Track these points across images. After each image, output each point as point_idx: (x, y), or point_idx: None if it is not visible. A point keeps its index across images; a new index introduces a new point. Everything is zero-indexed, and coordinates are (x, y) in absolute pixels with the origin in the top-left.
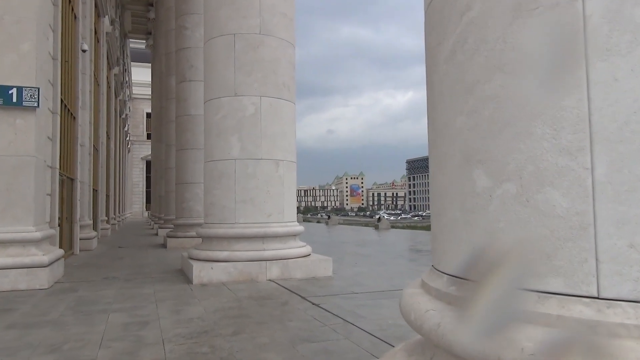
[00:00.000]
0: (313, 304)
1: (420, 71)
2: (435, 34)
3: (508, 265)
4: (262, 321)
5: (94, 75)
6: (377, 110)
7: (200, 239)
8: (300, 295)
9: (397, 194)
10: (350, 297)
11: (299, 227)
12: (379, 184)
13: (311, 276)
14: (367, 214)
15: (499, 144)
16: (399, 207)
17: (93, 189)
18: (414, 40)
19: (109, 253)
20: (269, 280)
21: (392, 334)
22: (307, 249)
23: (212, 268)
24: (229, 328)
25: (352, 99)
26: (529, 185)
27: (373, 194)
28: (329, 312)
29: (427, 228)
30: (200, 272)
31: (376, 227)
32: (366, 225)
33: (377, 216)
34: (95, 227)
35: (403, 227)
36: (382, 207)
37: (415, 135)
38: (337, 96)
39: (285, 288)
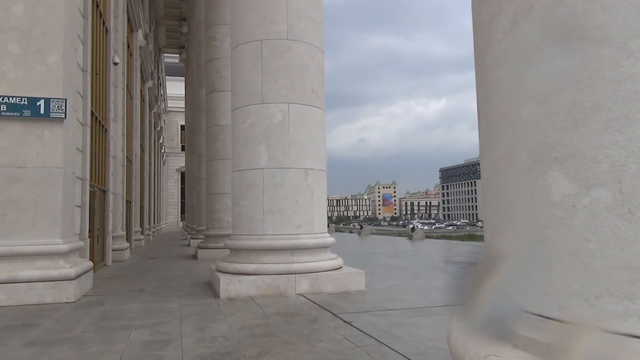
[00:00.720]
0: (344, 321)
1: (452, 79)
2: (488, 5)
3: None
4: (289, 341)
5: (127, 87)
6: (409, 118)
7: (229, 251)
8: (330, 312)
9: (430, 203)
10: (384, 314)
11: (330, 239)
12: (412, 193)
13: (342, 290)
14: (400, 224)
15: (586, 136)
16: (432, 216)
17: (126, 200)
18: (445, 48)
19: (140, 264)
20: (298, 294)
21: (431, 358)
22: (338, 261)
23: (239, 282)
24: (254, 349)
25: (384, 108)
26: (633, 192)
27: (406, 203)
28: (361, 331)
29: (462, 238)
30: (228, 286)
31: (410, 237)
32: (399, 235)
33: (411, 226)
34: (128, 238)
35: (437, 237)
36: (416, 216)
37: (448, 144)
38: (369, 105)
39: (315, 303)
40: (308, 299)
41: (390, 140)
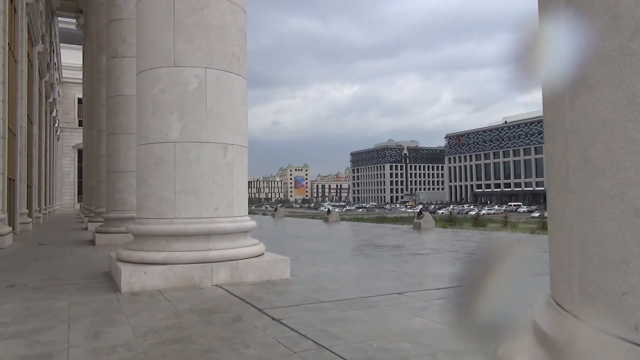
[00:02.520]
0: (273, 319)
1: (366, 66)
2: None
3: None
4: (209, 348)
5: (10, 48)
6: (323, 103)
7: (133, 237)
8: (255, 307)
9: (341, 185)
10: (316, 308)
11: (251, 222)
12: (324, 176)
13: (265, 279)
14: (311, 206)
15: None
16: (342, 199)
17: (9, 178)
18: (360, 35)
19: (24, 252)
20: (216, 285)
21: None
22: (260, 247)
23: (145, 273)
24: None
25: (299, 91)
26: None
27: (317, 186)
28: (294, 331)
29: (374, 220)
30: (131, 278)
31: (326, 220)
32: (313, 217)
33: (327, 208)
34: (11, 222)
35: (351, 220)
36: (327, 198)
37: (360, 129)
38: (284, 88)
39: (236, 296)
40: (227, 290)
41: (304, 123)
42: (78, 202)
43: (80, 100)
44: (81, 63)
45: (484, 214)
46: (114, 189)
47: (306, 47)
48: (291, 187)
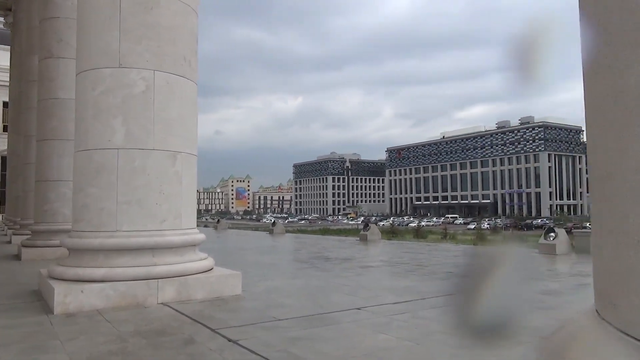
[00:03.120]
0: (229, 340)
1: (311, 78)
2: None
3: None
4: None
5: None
6: (267, 113)
7: (67, 251)
8: (208, 327)
9: (283, 197)
10: (274, 327)
11: (200, 235)
12: (266, 188)
13: (216, 296)
14: (253, 217)
15: None
16: (284, 210)
17: None
18: (306, 47)
19: None
20: (162, 303)
21: None
22: (209, 261)
23: (82, 291)
24: None
25: (244, 101)
26: None
27: (259, 198)
28: (254, 353)
29: (319, 232)
30: (66, 298)
31: (270, 232)
32: (256, 229)
33: (272, 220)
34: None
35: (295, 232)
36: (269, 210)
37: (303, 140)
38: (228, 97)
39: (186, 315)
40: (175, 309)
41: (247, 134)
42: (0, 213)
43: (5, 104)
44: (8, 64)
45: (423, 225)
46: (44, 199)
47: (252, 57)
48: (232, 199)
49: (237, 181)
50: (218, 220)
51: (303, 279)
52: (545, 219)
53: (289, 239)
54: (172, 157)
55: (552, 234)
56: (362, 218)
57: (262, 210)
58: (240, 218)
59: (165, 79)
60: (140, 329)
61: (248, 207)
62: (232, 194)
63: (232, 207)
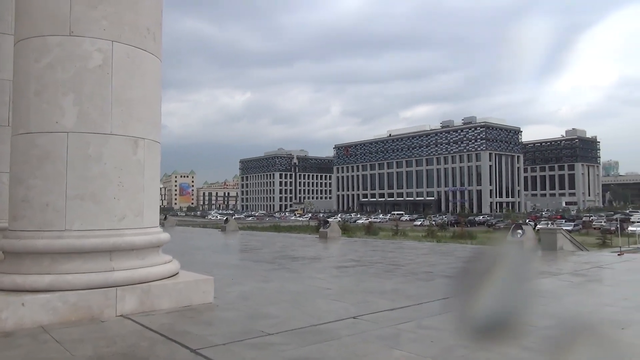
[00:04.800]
0: None
1: (259, 73)
2: None
3: None
4: None
5: None
6: (214, 108)
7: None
8: (186, 346)
9: (228, 193)
10: (266, 344)
11: (164, 235)
12: (211, 183)
13: (184, 305)
14: (197, 214)
15: None
16: (230, 206)
17: None
18: (255, 43)
19: None
20: (122, 316)
21: None
22: (174, 265)
23: (23, 304)
24: None
25: (189, 94)
26: None
27: (204, 194)
28: None
29: (271, 229)
30: (2, 313)
31: (223, 229)
32: (205, 226)
33: (225, 217)
34: None
35: (246, 229)
36: (213, 206)
37: (250, 136)
38: (173, 90)
39: (154, 331)
40: (139, 323)
41: (193, 128)
42: None
43: None
44: None
45: (374, 222)
46: None
47: (199, 50)
48: (176, 195)
49: (181, 176)
50: (165, 216)
51: (277, 281)
52: (486, 216)
53: (244, 236)
54: (133, 144)
55: (520, 231)
56: (309, 215)
57: (206, 206)
58: (184, 215)
59: (126, 52)
60: (101, 351)
61: (192, 203)
62: (176, 190)
63: (176, 204)
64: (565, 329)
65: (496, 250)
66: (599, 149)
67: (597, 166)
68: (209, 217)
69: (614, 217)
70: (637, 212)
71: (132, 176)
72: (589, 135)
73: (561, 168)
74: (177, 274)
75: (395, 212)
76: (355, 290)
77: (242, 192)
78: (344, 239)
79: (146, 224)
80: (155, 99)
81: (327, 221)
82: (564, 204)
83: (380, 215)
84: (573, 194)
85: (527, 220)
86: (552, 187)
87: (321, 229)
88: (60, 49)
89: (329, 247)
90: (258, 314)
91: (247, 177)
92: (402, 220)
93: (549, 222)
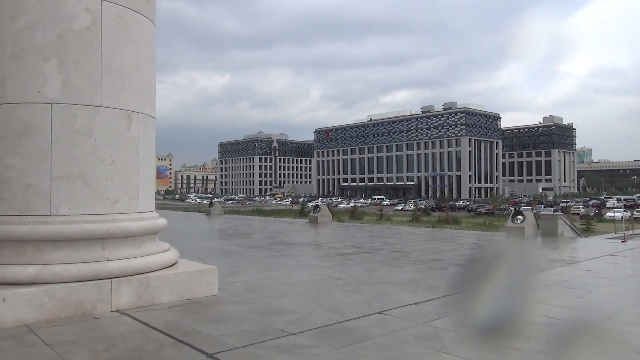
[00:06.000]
0: None
1: (239, 56)
2: None
3: None
4: None
5: None
6: (192, 90)
7: None
8: (199, 350)
9: (207, 177)
10: (291, 347)
11: (161, 220)
12: (189, 167)
13: (187, 298)
14: (176, 197)
15: None
16: (209, 190)
17: None
18: (235, 24)
19: None
20: (117, 311)
21: None
22: (173, 253)
23: (4, 300)
24: None
25: (167, 76)
26: None
27: (182, 177)
28: None
29: (255, 213)
30: None
31: (207, 213)
32: (186, 210)
33: (210, 201)
34: None
35: (230, 212)
36: (192, 190)
37: (229, 119)
38: None
39: (159, 330)
40: (140, 320)
41: (171, 110)
42: None
43: None
44: None
45: (358, 206)
46: None
47: (176, 30)
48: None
49: (159, 159)
50: None
51: (281, 270)
52: (466, 201)
53: (230, 220)
54: (126, 118)
55: (520, 217)
56: (289, 199)
57: (184, 190)
58: (162, 198)
59: (118, 13)
60: (100, 357)
61: (170, 186)
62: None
63: None
64: None
65: (504, 244)
66: (575, 136)
67: (573, 153)
68: (188, 200)
69: (590, 202)
70: (612, 198)
71: (125, 154)
72: (565, 122)
73: (538, 154)
74: (176, 263)
75: (376, 197)
76: (369, 281)
77: (221, 175)
78: (334, 223)
79: (142, 209)
80: (149, 69)
81: (318, 206)
82: (540, 190)
83: (362, 200)
84: (549, 180)
85: (508, 207)
86: (529, 173)
87: (311, 214)
88: (40, 7)
89: (323, 233)
90: (271, 308)
91: (226, 160)
92: (383, 205)
93: (530, 208)
